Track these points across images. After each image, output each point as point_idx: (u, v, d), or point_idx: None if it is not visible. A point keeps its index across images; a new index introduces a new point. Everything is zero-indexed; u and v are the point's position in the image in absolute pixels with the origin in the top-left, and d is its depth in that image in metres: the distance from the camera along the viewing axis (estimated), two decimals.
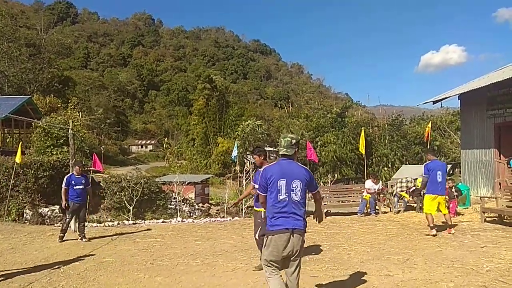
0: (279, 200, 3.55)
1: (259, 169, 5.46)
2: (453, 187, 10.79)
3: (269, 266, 3.57)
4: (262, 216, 5.40)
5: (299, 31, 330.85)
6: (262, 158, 5.63)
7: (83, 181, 8.26)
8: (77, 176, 8.26)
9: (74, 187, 8.13)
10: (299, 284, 3.73)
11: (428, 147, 13.70)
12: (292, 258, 3.56)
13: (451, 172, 26.09)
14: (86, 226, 9.14)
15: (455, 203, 10.37)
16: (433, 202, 7.73)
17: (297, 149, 3.70)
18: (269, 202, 3.61)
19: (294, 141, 3.70)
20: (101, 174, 18.35)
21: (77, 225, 8.56)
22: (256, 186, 5.37)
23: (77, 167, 8.39)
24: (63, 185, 8.15)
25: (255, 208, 5.66)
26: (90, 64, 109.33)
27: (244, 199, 16.16)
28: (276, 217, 3.53)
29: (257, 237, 5.47)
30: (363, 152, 15.73)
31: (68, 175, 8.40)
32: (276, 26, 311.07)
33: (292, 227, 3.49)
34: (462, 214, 10.39)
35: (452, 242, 7.04)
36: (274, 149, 60.28)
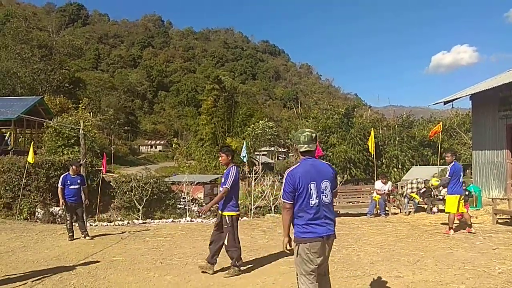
0: (311, 205, 3.25)
1: (231, 169, 5.39)
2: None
3: (309, 275, 3.28)
4: (228, 221, 5.35)
5: (309, 32, 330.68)
6: (230, 158, 5.54)
7: (78, 181, 8.25)
8: (72, 176, 8.26)
9: (70, 187, 8.15)
10: None
11: (442, 148, 13.60)
12: (324, 264, 3.40)
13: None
14: (91, 224, 9.21)
15: (467, 206, 10.17)
16: (456, 202, 7.84)
17: (317, 144, 3.45)
18: (298, 208, 3.27)
19: (314, 135, 3.41)
20: (112, 174, 18.55)
21: (77, 224, 8.60)
22: (223, 188, 5.31)
23: (73, 166, 8.38)
24: (59, 185, 8.16)
25: (220, 211, 5.45)
26: (101, 65, 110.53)
27: (253, 200, 16.19)
28: (309, 224, 3.25)
29: (226, 243, 5.36)
30: (373, 152, 15.64)
31: (64, 174, 8.40)
32: (285, 27, 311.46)
33: (326, 233, 3.26)
34: (476, 217, 10.24)
35: (463, 244, 6.95)
36: (283, 150, 60.36)
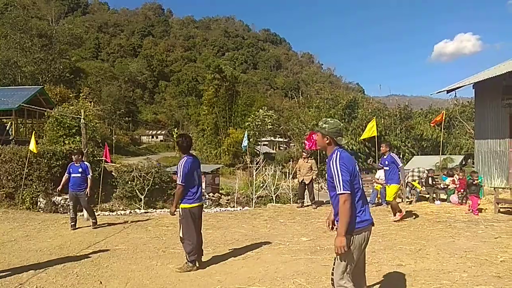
0: (361, 189, 3.12)
1: (181, 161, 5.18)
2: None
3: (351, 270, 3.06)
4: (181, 213, 5.21)
5: (310, 20, 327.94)
6: (181, 149, 5.32)
7: (79, 170, 8.30)
8: (75, 165, 8.35)
9: (72, 175, 8.27)
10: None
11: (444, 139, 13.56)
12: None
13: (463, 163, 25.81)
14: (98, 214, 9.25)
15: (475, 198, 9.43)
16: (395, 191, 8.22)
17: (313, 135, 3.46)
18: (356, 197, 3.08)
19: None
20: (114, 164, 18.58)
21: (83, 213, 8.67)
22: (178, 186, 5.08)
23: (73, 156, 8.54)
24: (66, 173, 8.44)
25: (182, 204, 5.24)
26: (101, 54, 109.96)
27: (255, 189, 16.22)
28: (362, 211, 3.10)
29: (180, 235, 5.27)
30: (365, 136, 15.37)
31: (71, 163, 8.55)
32: (287, 15, 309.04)
33: (372, 219, 3.20)
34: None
35: (465, 233, 6.96)
36: (284, 140, 60.26)
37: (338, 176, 2.98)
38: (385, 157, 8.34)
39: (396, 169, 8.17)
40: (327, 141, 3.20)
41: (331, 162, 3.08)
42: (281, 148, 63.40)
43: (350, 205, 2.97)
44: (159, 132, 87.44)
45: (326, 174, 3.25)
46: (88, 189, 8.32)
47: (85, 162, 8.67)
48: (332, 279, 3.16)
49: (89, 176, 8.39)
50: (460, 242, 6.25)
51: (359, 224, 3.05)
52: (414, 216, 8.76)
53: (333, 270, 3.15)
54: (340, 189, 2.96)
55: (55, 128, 18.94)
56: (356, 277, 3.17)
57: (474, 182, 9.45)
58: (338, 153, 3.10)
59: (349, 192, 2.96)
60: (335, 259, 3.12)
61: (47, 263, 5.54)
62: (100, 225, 8.70)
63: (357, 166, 3.18)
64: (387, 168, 8.30)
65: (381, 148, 8.53)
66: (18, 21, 49.37)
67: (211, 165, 30.30)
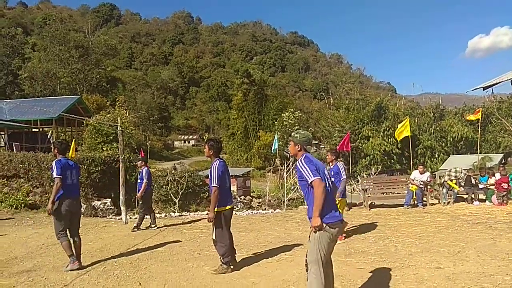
0: (328, 189, 3.50)
1: (213, 165, 5.21)
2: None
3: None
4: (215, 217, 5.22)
5: (338, 20, 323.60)
6: (211, 152, 5.36)
7: (139, 176, 8.95)
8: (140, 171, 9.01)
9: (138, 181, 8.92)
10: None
11: (483, 137, 13.00)
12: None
13: (503, 161, 24.63)
14: (131, 217, 9.64)
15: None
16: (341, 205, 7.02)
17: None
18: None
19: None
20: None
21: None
22: (213, 188, 5.12)
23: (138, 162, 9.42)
24: (145, 179, 8.75)
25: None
26: (134, 63, 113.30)
27: (286, 192, 16.19)
28: (332, 207, 3.51)
29: (213, 237, 5.31)
30: (399, 138, 14.99)
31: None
32: (314, 16, 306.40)
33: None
34: None
35: (507, 234, 6.68)
36: (315, 142, 59.67)
37: (306, 170, 3.42)
38: (331, 166, 7.37)
39: (339, 181, 7.10)
40: (298, 149, 3.68)
41: (298, 162, 3.55)
42: (311, 150, 62.82)
43: (323, 189, 3.31)
44: (190, 137, 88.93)
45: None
46: (139, 194, 8.70)
47: (144, 169, 8.96)
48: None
49: (144, 181, 8.75)
50: (502, 244, 6.02)
51: (330, 219, 3.39)
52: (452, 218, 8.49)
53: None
54: (310, 177, 3.37)
55: (93, 136, 19.73)
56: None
57: None
58: (304, 155, 3.58)
59: (319, 177, 3.34)
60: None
61: (89, 265, 5.78)
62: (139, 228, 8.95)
63: (326, 171, 3.58)
64: (333, 179, 7.31)
65: (327, 156, 7.63)
66: (57, 34, 51.83)
67: (241, 168, 30.51)
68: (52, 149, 6.09)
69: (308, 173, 3.38)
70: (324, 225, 3.36)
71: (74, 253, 5.60)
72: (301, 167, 3.46)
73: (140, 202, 8.88)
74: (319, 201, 3.29)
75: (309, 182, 3.38)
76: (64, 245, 5.56)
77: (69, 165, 5.65)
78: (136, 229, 8.67)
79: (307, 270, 3.49)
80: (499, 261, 5.09)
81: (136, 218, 9.86)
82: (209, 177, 5.30)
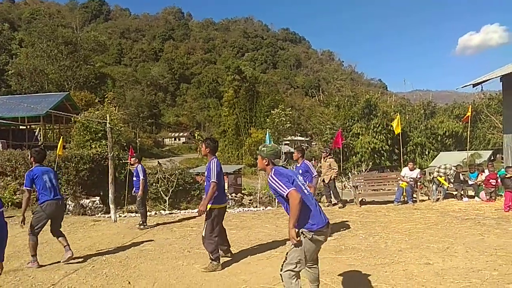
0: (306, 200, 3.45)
1: (211, 161, 5.27)
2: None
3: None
4: (208, 214, 5.27)
5: (329, 16, 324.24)
6: (208, 150, 5.42)
7: (134, 173, 8.92)
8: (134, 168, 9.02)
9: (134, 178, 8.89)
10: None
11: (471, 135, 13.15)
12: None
13: (492, 158, 24.99)
14: (120, 215, 9.55)
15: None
16: None
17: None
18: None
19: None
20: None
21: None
22: (211, 183, 5.12)
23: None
24: (141, 176, 8.67)
25: (209, 205, 5.25)
26: (124, 59, 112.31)
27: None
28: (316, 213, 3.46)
29: (203, 234, 5.28)
30: (397, 132, 15.08)
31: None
32: (306, 13, 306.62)
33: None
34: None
35: (495, 230, 6.76)
36: (306, 139, 59.88)
37: (278, 184, 3.32)
38: (298, 165, 7.44)
39: (311, 178, 7.22)
40: (266, 163, 3.60)
41: (268, 178, 3.44)
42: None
43: (299, 199, 3.20)
44: (181, 134, 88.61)
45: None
46: (140, 191, 8.58)
47: (138, 166, 8.85)
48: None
49: (140, 179, 8.62)
50: (490, 240, 6.08)
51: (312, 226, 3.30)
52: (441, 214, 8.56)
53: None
54: (285, 190, 3.26)
55: (81, 133, 19.46)
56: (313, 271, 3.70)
57: (507, 176, 9.13)
58: (273, 169, 3.47)
59: (294, 188, 3.25)
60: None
61: (77, 264, 5.70)
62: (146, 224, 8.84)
63: (298, 178, 3.51)
64: (302, 177, 7.42)
65: (294, 154, 7.66)
66: (45, 29, 51.02)
67: (233, 165, 30.44)
68: (29, 157, 6.04)
69: (281, 186, 3.29)
70: (311, 234, 3.28)
71: (36, 253, 5.64)
72: (273, 182, 3.37)
73: (138, 199, 8.74)
74: (294, 211, 3.19)
75: (284, 195, 3.28)
76: (31, 243, 5.59)
77: (45, 170, 5.68)
78: (142, 226, 8.58)
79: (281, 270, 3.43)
80: (487, 257, 5.14)
81: (125, 216, 9.77)
82: (206, 173, 5.33)
